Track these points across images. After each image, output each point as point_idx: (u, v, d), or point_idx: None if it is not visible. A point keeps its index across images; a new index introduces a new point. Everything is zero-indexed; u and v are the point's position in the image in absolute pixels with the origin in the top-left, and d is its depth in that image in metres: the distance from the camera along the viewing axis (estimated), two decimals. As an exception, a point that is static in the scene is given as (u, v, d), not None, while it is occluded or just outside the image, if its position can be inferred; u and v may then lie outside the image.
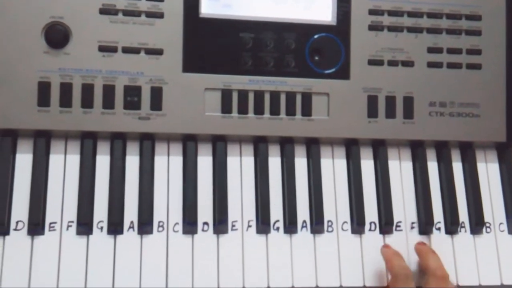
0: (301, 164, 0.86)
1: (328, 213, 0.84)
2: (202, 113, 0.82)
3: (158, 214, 0.80)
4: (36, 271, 0.75)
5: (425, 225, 0.86)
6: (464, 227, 0.88)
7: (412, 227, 0.86)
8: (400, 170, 0.88)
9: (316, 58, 0.86)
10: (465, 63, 0.89)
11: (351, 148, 0.87)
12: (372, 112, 0.86)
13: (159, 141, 0.83)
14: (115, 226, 0.79)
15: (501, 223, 0.89)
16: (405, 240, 0.85)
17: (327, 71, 0.86)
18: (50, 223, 0.78)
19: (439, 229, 0.87)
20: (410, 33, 0.88)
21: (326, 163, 0.86)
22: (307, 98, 0.85)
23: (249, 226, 0.82)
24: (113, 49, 0.80)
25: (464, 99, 0.89)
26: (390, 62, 0.87)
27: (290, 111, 0.84)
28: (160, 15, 0.82)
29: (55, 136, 0.81)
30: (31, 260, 0.76)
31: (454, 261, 0.85)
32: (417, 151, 0.89)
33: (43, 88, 0.78)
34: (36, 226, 0.77)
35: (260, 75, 0.84)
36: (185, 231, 0.80)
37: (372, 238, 0.85)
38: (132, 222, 0.80)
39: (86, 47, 0.80)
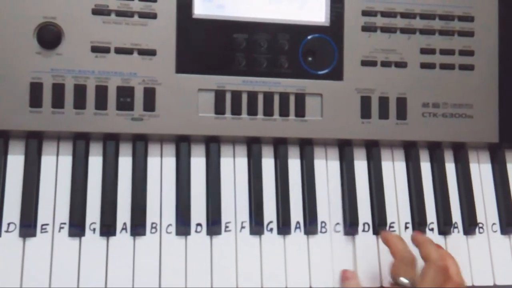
0: (294, 165, 0.86)
1: (321, 214, 0.84)
2: (196, 114, 0.82)
3: (151, 216, 0.80)
4: (28, 273, 0.75)
5: (418, 226, 0.86)
6: (457, 227, 0.88)
7: (406, 228, 0.86)
8: (393, 170, 0.89)
9: (310, 59, 0.86)
10: (458, 64, 0.89)
11: (345, 149, 0.87)
12: (365, 113, 0.86)
13: (152, 142, 0.83)
14: (107, 228, 0.78)
15: (493, 224, 0.89)
16: (398, 240, 0.86)
17: (320, 72, 0.86)
18: (42, 225, 0.77)
19: (432, 229, 0.87)
20: (403, 34, 0.88)
21: (319, 164, 0.86)
22: (300, 99, 0.85)
23: (242, 227, 0.82)
24: (106, 50, 0.80)
25: (457, 100, 0.89)
26: (383, 63, 0.87)
27: (284, 112, 0.84)
28: (153, 16, 0.81)
29: (47, 137, 0.80)
30: (23, 262, 0.75)
31: (447, 262, 0.85)
32: (410, 151, 0.89)
33: (35, 89, 0.78)
34: (28, 227, 0.76)
35: (254, 76, 0.84)
36: (178, 233, 0.80)
37: (366, 239, 0.85)
38: (125, 224, 0.79)
39: (78, 48, 0.79)
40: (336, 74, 0.86)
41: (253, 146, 0.85)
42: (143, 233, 0.79)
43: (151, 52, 0.81)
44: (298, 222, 0.84)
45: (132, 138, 0.82)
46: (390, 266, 0.78)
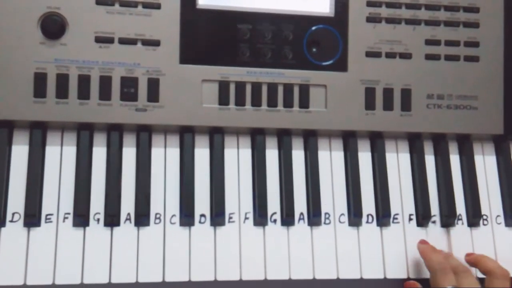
0: (298, 156, 0.86)
1: (325, 205, 0.84)
2: (199, 105, 0.82)
3: (155, 206, 0.80)
4: (33, 262, 0.75)
5: (422, 218, 0.86)
6: (461, 219, 0.88)
7: (410, 220, 0.86)
8: (398, 162, 0.88)
9: (314, 50, 0.85)
10: (463, 55, 0.89)
11: (349, 140, 0.87)
12: (369, 104, 0.86)
13: (156, 133, 0.83)
14: (111, 218, 0.78)
15: (498, 216, 0.89)
16: (402, 232, 0.85)
17: (324, 63, 0.86)
18: (47, 215, 0.77)
19: (436, 221, 0.87)
20: (408, 25, 0.87)
21: (323, 155, 0.86)
22: (304, 90, 0.84)
23: (246, 218, 0.82)
24: (110, 40, 0.80)
25: (462, 91, 0.88)
26: (388, 54, 0.87)
27: (288, 103, 0.84)
28: (157, 6, 0.81)
29: (51, 128, 0.80)
30: (28, 252, 0.75)
31: (451, 253, 0.85)
32: (415, 143, 0.89)
33: (39, 79, 0.78)
34: (32, 217, 0.76)
35: (258, 67, 0.84)
36: (182, 223, 0.80)
37: (370, 230, 0.85)
38: (129, 214, 0.79)
39: (82, 38, 0.79)
40: (341, 65, 0.86)
41: (257, 137, 0.85)
42: (147, 224, 0.79)
43: (155, 43, 0.81)
44: (301, 214, 0.84)
45: (136, 129, 0.82)
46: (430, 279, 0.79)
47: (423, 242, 0.84)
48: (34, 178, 0.78)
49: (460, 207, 0.88)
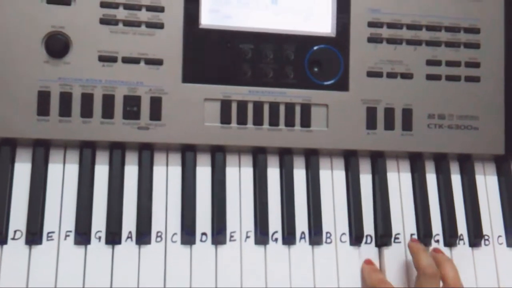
0: (300, 175, 0.86)
1: (326, 225, 0.84)
2: (202, 124, 0.82)
3: (157, 224, 0.80)
4: (34, 280, 0.75)
5: (423, 238, 0.86)
6: (462, 239, 0.88)
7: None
8: (399, 182, 0.89)
9: (315, 69, 0.86)
10: (464, 75, 0.89)
11: (350, 159, 0.87)
12: (371, 123, 0.86)
13: (158, 151, 0.83)
14: (113, 236, 0.78)
15: (499, 236, 0.89)
16: (403, 252, 0.85)
17: (326, 83, 0.86)
18: (48, 233, 0.77)
19: (437, 241, 0.87)
20: (409, 46, 0.88)
21: (324, 175, 0.86)
22: (306, 109, 0.85)
23: (247, 236, 0.82)
24: (113, 59, 0.81)
25: (463, 111, 0.89)
26: (389, 74, 0.87)
27: (289, 122, 0.84)
28: (160, 26, 0.82)
29: (54, 145, 0.81)
30: (29, 269, 0.75)
31: (453, 274, 0.85)
32: (416, 163, 0.89)
33: (43, 97, 0.78)
34: (34, 235, 0.76)
35: (260, 86, 0.84)
36: (183, 242, 0.80)
37: (371, 250, 0.85)
38: (130, 232, 0.79)
39: (86, 57, 0.80)
40: (342, 84, 0.86)
41: (258, 156, 0.85)
42: (148, 242, 0.79)
43: (158, 62, 0.82)
44: (303, 233, 0.84)
45: (138, 147, 0.82)
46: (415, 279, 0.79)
47: (368, 262, 0.83)
48: (36, 196, 0.78)
49: (462, 227, 0.88)
